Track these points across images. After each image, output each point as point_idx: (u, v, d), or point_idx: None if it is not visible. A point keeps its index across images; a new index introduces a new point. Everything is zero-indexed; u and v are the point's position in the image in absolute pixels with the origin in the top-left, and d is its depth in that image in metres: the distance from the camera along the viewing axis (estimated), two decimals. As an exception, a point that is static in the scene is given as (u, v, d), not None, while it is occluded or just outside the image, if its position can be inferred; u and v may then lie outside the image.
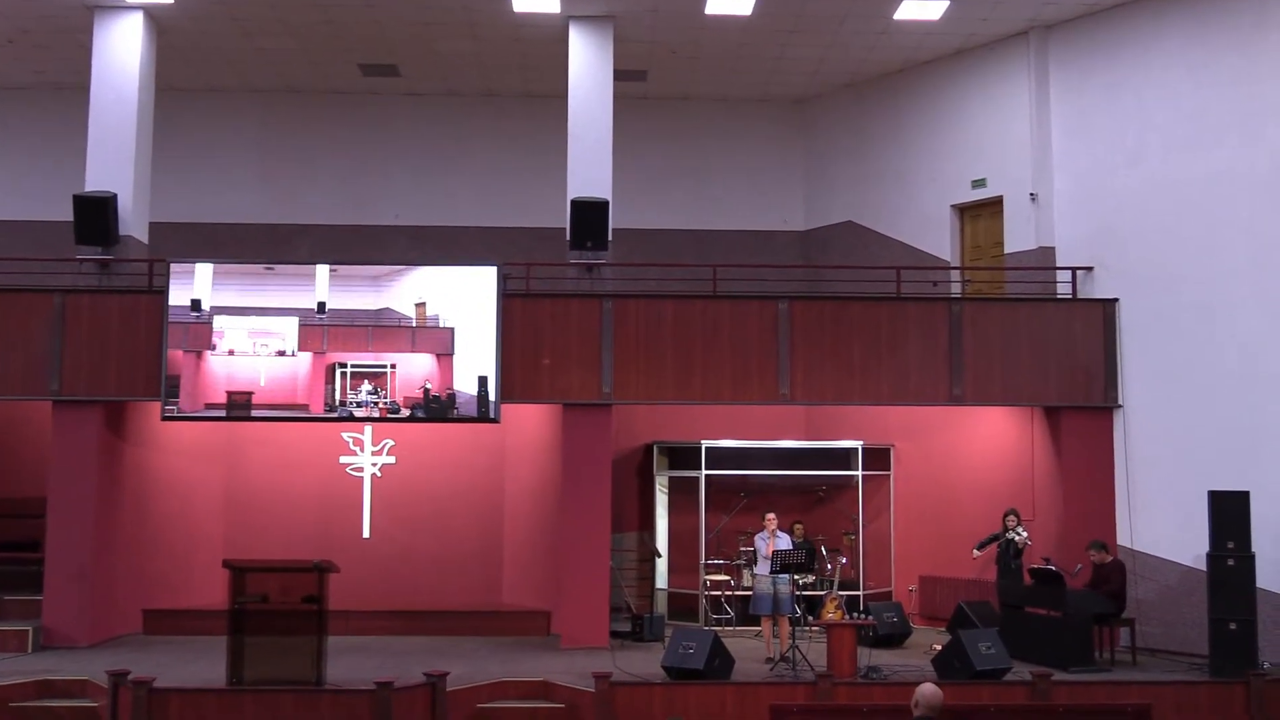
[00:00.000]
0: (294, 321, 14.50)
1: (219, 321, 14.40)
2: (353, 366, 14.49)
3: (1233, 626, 12.33)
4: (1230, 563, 12.45)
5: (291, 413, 14.45)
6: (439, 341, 14.55)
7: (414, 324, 14.58)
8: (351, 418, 14.54)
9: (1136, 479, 14.43)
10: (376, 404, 14.42)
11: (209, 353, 14.34)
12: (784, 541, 13.34)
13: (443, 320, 14.54)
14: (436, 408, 14.43)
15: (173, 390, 14.18)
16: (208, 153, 18.49)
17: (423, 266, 14.66)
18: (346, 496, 16.14)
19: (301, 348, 14.48)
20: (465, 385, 14.41)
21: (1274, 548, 12.90)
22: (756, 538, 13.63)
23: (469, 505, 16.41)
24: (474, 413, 14.38)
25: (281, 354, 14.40)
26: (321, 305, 14.52)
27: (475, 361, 14.43)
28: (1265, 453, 13.30)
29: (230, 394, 14.36)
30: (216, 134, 18.56)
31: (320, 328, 14.55)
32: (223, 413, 14.36)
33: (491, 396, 14.32)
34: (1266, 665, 12.54)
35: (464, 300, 14.55)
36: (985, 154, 16.36)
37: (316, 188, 18.59)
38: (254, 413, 14.42)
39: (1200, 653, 12.99)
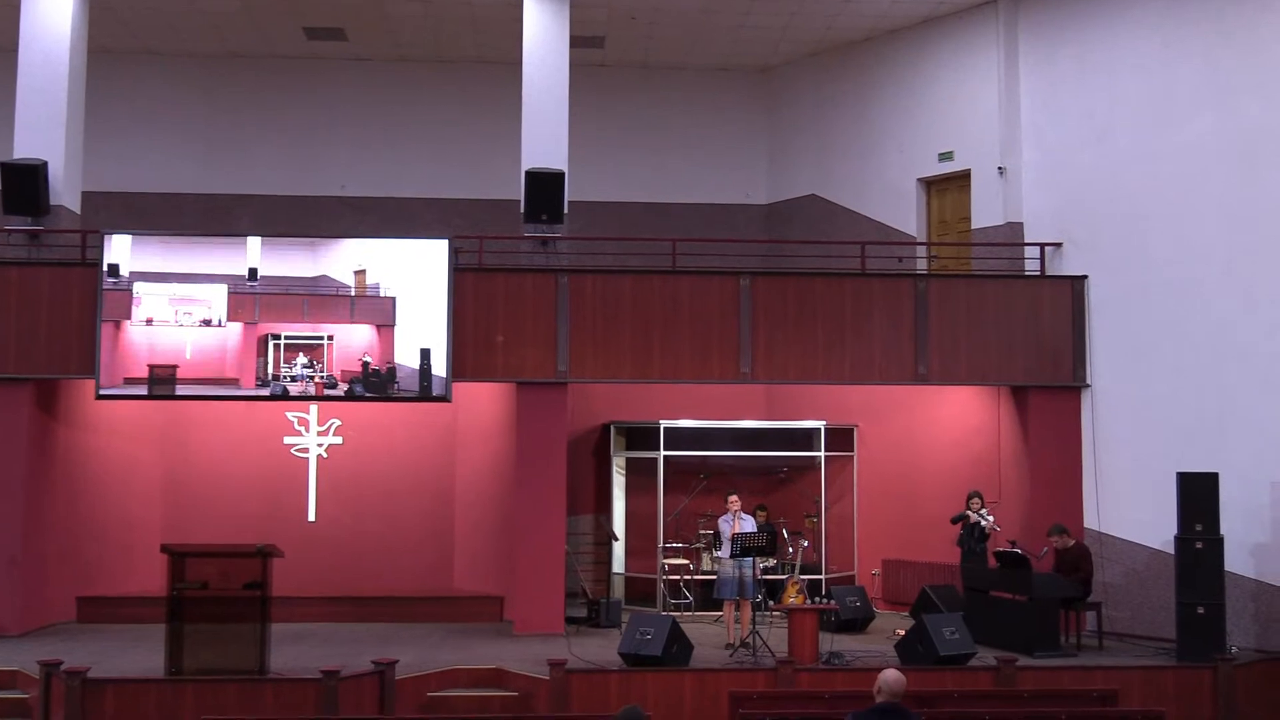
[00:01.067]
0: (223, 289, 14.12)
1: (137, 288, 13.93)
2: (287, 338, 14.15)
3: (1201, 610, 12.49)
4: (1199, 546, 12.61)
5: (221, 389, 14.04)
6: (380, 312, 14.27)
7: (353, 293, 14.28)
8: (286, 394, 14.21)
9: (1104, 460, 14.58)
10: (312, 378, 14.11)
11: (127, 323, 13.92)
12: (748, 524, 13.37)
13: (384, 289, 14.26)
14: (376, 382, 14.17)
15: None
16: (144, 119, 18.24)
17: (370, 239, 14.53)
18: (291, 478, 16.03)
19: (231, 318, 14.13)
20: (407, 358, 14.19)
21: (1243, 530, 13.08)
22: (720, 520, 13.66)
23: (419, 487, 16.35)
24: (416, 387, 14.14)
25: (207, 323, 14.01)
26: (253, 272, 14.16)
27: (418, 333, 14.18)
28: (1234, 434, 13.46)
29: (153, 368, 13.95)
30: (154, 100, 18.30)
31: (252, 296, 14.17)
32: (151, 389, 13.98)
33: (435, 370, 14.11)
34: (1234, 650, 12.72)
35: (407, 268, 14.27)
36: (953, 126, 16.41)
37: (258, 157, 18.40)
38: (180, 388, 14.00)
39: (1168, 637, 13.17)
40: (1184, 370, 13.97)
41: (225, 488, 16.03)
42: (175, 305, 13.98)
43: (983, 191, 15.92)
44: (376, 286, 14.29)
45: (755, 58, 18.67)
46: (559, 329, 14.42)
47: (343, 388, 14.26)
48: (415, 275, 14.31)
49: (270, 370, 14.14)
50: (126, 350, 13.93)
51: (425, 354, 14.12)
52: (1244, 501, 13.09)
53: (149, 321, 13.93)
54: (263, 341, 14.18)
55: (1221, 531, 12.62)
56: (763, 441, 16.63)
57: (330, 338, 14.23)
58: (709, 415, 16.38)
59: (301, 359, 14.14)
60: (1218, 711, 11.81)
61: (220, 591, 11.37)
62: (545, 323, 14.43)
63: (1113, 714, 9.63)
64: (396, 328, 14.25)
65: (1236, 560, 13.01)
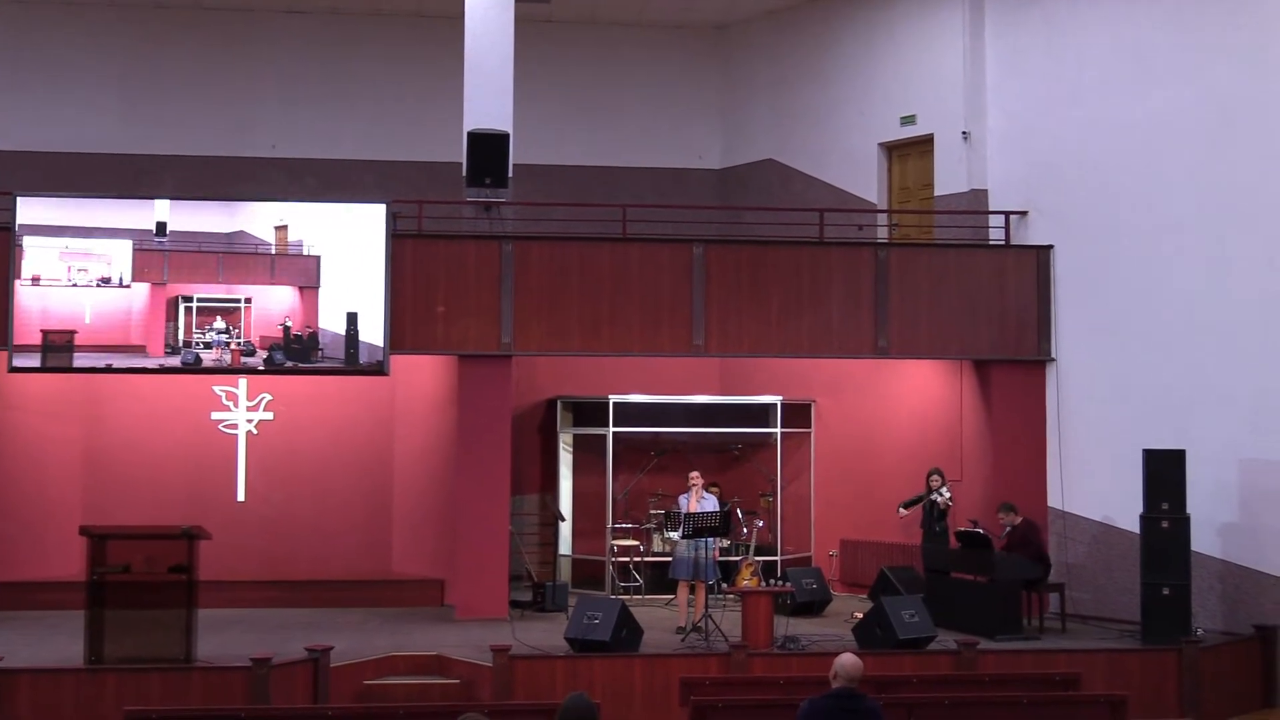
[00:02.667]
0: (127, 245, 13.53)
1: (24, 242, 13.20)
2: (200, 300, 13.61)
3: (1166, 591, 12.69)
4: (1164, 525, 12.79)
5: (126, 357, 13.41)
6: (302, 272, 13.78)
7: (273, 251, 13.77)
8: (199, 362, 13.70)
9: (1069, 437, 14.75)
10: (228, 345, 13.61)
11: (17, 282, 13.26)
12: (709, 503, 13.36)
13: (308, 247, 13.75)
14: (298, 349, 13.76)
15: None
16: (59, 73, 17.92)
17: (303, 204, 14.35)
18: (219, 456, 15.89)
19: (137, 278, 13.55)
20: (332, 323, 13.82)
21: (1210, 509, 13.28)
22: (679, 498, 13.68)
23: (355, 465, 16.26)
24: (341, 354, 13.79)
25: (106, 282, 13.34)
26: (161, 227, 13.53)
27: (345, 296, 13.77)
28: (1202, 410, 13.66)
29: (46, 333, 13.34)
30: (69, 52, 17.98)
31: (160, 253, 13.54)
32: (45, 358, 13.43)
33: (362, 336, 13.77)
34: (1200, 632, 12.94)
35: (333, 225, 13.96)
36: (916, 89, 16.47)
37: (183, 115, 18.15)
38: (78, 357, 13.44)
39: (1132, 619, 13.37)
40: (1151, 344, 14.14)
41: (149, 466, 15.86)
42: (68, 261, 13.26)
43: (946, 157, 16.00)
44: (299, 244, 13.77)
45: (710, 15, 18.63)
46: (503, 299, 14.37)
47: (261, 355, 13.88)
48: (342, 233, 13.94)
49: (181, 336, 13.62)
50: (16, 314, 13.28)
51: (352, 318, 13.74)
52: (1211, 479, 13.29)
53: (35, 280, 13.20)
54: (172, 304, 13.68)
55: (1188, 510, 12.82)
56: (716, 417, 16.67)
57: (248, 300, 13.76)
58: (660, 390, 16.40)
59: (216, 323, 13.63)
60: (1182, 695, 12.01)
61: (143, 576, 11.27)
62: (488, 292, 14.37)
63: (1075, 698, 9.77)
64: (321, 290, 13.79)
65: (1203, 540, 13.22)
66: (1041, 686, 10.21)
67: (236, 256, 13.70)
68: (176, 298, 13.72)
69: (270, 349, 13.82)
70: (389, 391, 16.10)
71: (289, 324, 13.78)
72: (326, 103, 18.45)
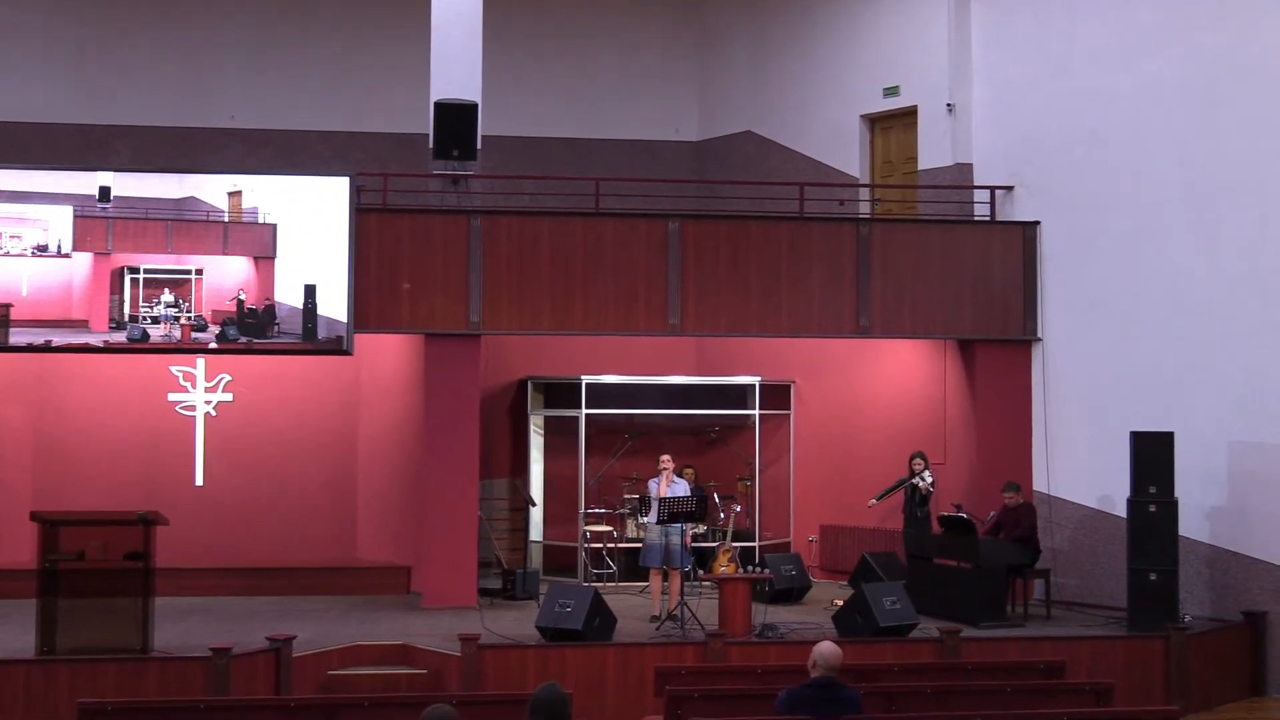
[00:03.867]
0: (67, 211, 13.16)
1: None
2: (147, 272, 13.28)
3: (1153, 577, 12.80)
4: (1152, 509, 12.89)
5: (68, 333, 13.04)
6: (258, 241, 13.51)
7: (226, 218, 13.48)
8: (146, 338, 13.40)
9: (1055, 419, 14.84)
10: (178, 319, 13.31)
11: None
12: (680, 487, 13.42)
13: (263, 215, 13.48)
14: (253, 324, 13.52)
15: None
16: (7, 40, 17.75)
17: (263, 176, 14.25)
18: (177, 439, 15.80)
19: (78, 247, 13.19)
20: (289, 296, 13.58)
21: (1199, 493, 13.39)
22: (650, 482, 13.71)
23: (318, 449, 16.22)
24: (299, 329, 13.55)
25: (43, 251, 12.96)
26: (105, 191, 13.21)
27: (302, 266, 13.51)
28: (1191, 391, 13.76)
29: None
30: (17, 17, 17.82)
31: (104, 221, 13.21)
32: (2, 335, 13.07)
33: (321, 310, 13.57)
34: (1188, 619, 13.06)
35: (291, 191, 13.78)
36: (899, 59, 16.48)
37: (138, 83, 18.05)
38: (14, 333, 13.08)
39: (1119, 605, 13.49)
40: (1140, 323, 14.23)
41: (103, 449, 15.78)
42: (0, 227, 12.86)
43: (930, 130, 16.03)
44: (254, 212, 13.49)
45: (686, -19, 18.60)
46: (471, 276, 14.34)
47: (214, 330, 13.64)
48: (301, 199, 13.76)
49: (127, 310, 13.31)
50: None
51: (310, 291, 13.48)
52: (1200, 463, 13.40)
53: None
54: (117, 275, 13.35)
55: (1176, 494, 12.92)
56: (693, 399, 16.71)
57: (199, 272, 13.47)
58: (635, 370, 16.41)
59: (164, 296, 13.31)
60: (1169, 683, 12.14)
61: (98, 563, 11.24)
62: (456, 269, 14.34)
63: (1060, 687, 9.84)
64: (277, 260, 13.52)
65: (1191, 524, 13.33)
66: (1026, 675, 10.27)
67: (186, 224, 13.39)
68: (121, 269, 13.41)
69: (223, 324, 13.56)
70: (353, 372, 16.06)
71: (243, 297, 13.50)
72: (287, 71, 18.34)
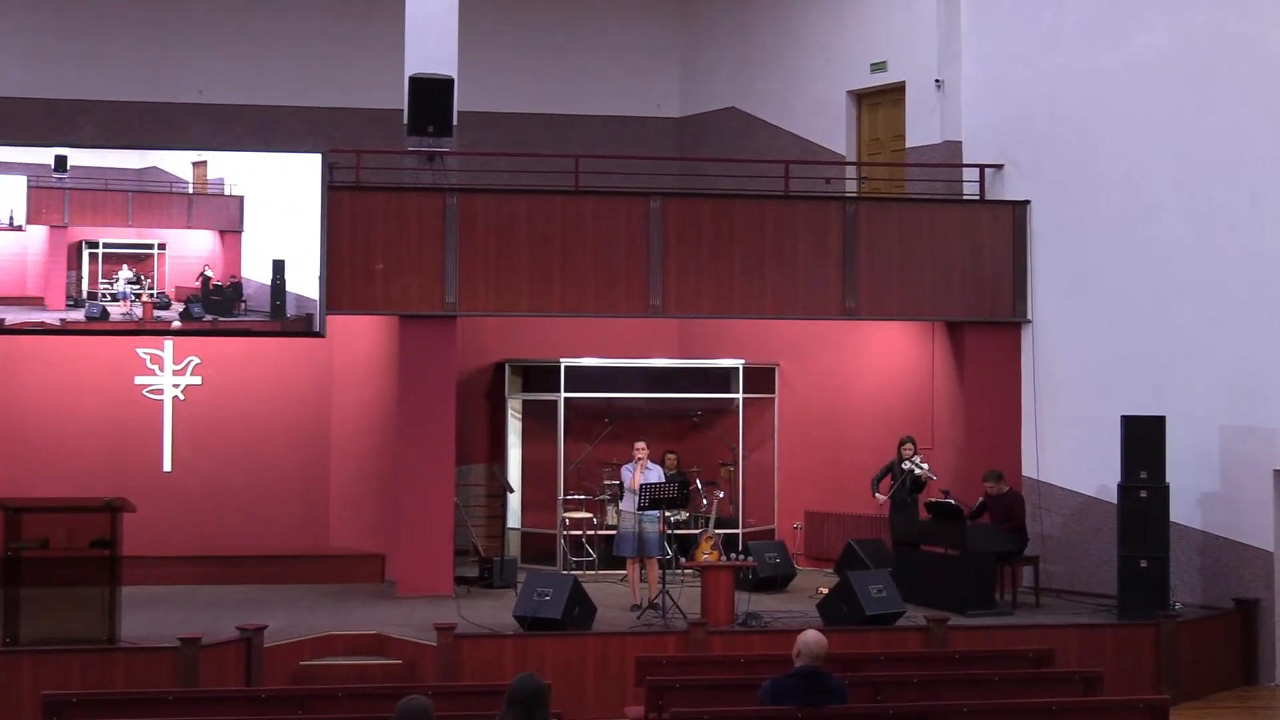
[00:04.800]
0: (20, 182, 12.88)
1: None
2: (106, 246, 13.02)
3: (1143, 564, 12.88)
4: (1143, 494, 12.97)
5: (22, 310, 12.76)
6: (224, 214, 13.28)
7: (191, 189, 13.25)
8: (105, 316, 13.18)
9: (1045, 402, 14.90)
10: (139, 297, 13.07)
11: None
12: (654, 474, 13.47)
13: (229, 186, 13.27)
14: (219, 301, 13.31)
15: None
16: (-34, 11, 17.66)
17: (232, 153, 14.17)
18: (144, 423, 15.78)
19: (33, 219, 12.93)
20: (257, 272, 13.41)
21: (1190, 478, 13.47)
22: (623, 469, 13.74)
23: (290, 433, 16.20)
24: (267, 306, 13.37)
25: None
26: (61, 161, 12.91)
27: (271, 241, 13.33)
28: (1183, 374, 13.82)
29: None
30: (-23, -12, 17.72)
31: (60, 192, 12.93)
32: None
33: (290, 286, 13.41)
34: (1178, 606, 13.15)
35: (259, 163, 13.64)
36: (886, 33, 16.48)
37: (103, 57, 17.95)
38: None
39: (1108, 593, 13.57)
40: (1131, 304, 14.28)
41: (68, 434, 15.73)
42: None
43: (918, 106, 16.04)
44: (220, 183, 13.28)
45: (668, -48, 18.56)
46: (446, 255, 14.31)
47: (177, 308, 13.44)
48: (269, 172, 13.62)
49: (85, 287, 13.07)
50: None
51: (279, 266, 13.28)
52: (1192, 447, 13.47)
53: None
54: (75, 250, 13.11)
55: (1168, 480, 12.99)
56: (674, 382, 16.73)
57: (161, 246, 13.25)
58: (615, 353, 16.42)
59: (125, 273, 13.07)
60: (1159, 671, 12.23)
61: (62, 551, 11.22)
62: (431, 249, 14.31)
63: (1048, 675, 9.91)
64: (244, 234, 13.32)
65: (1182, 510, 13.41)
66: (1014, 663, 10.34)
67: (148, 196, 13.15)
68: (79, 243, 13.18)
69: (187, 301, 13.37)
70: (326, 355, 16.03)
71: (209, 273, 13.32)
72: (258, 44, 18.25)
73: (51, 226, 13.17)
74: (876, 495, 14.75)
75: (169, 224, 13.35)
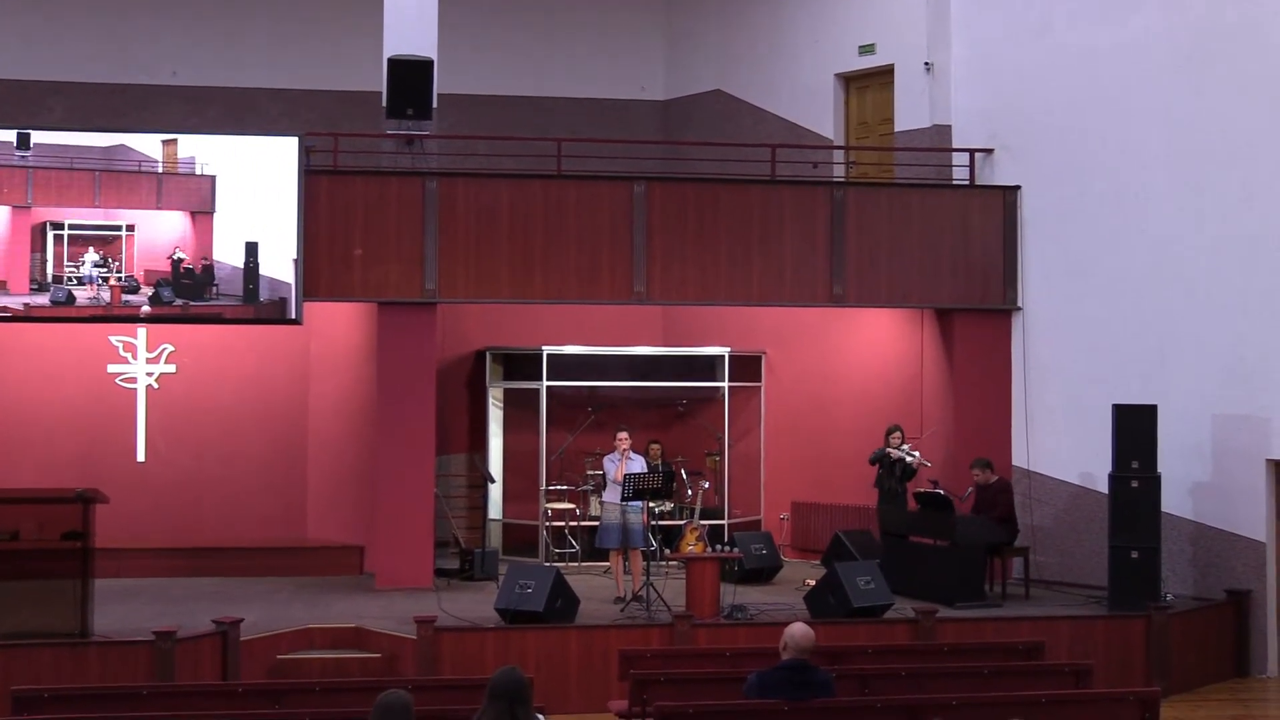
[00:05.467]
0: None
1: None
2: (72, 228, 12.85)
3: (1135, 555, 12.93)
4: (1134, 484, 13.01)
5: None
6: (195, 194, 13.13)
7: (160, 168, 13.11)
8: (71, 300, 12.98)
9: (1035, 391, 14.94)
10: (106, 280, 12.88)
11: None
12: (637, 464, 13.49)
13: (201, 166, 13.10)
14: (190, 285, 13.15)
15: None
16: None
17: (206, 135, 14.12)
18: (116, 412, 15.75)
19: None
20: (229, 255, 13.27)
21: (1182, 468, 13.52)
22: (606, 460, 13.75)
23: (266, 423, 16.17)
24: (240, 290, 13.26)
25: None
26: (24, 139, 12.76)
27: (243, 223, 13.19)
28: (1175, 362, 13.87)
29: None
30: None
31: (23, 170, 12.77)
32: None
33: (263, 270, 13.30)
34: (1170, 597, 13.21)
35: (233, 144, 13.55)
36: (875, 15, 16.49)
37: (73, 36, 17.87)
38: None
39: (1099, 584, 13.62)
40: (1123, 292, 14.32)
41: (38, 423, 15.67)
42: None
43: (907, 90, 16.05)
44: (191, 161, 13.13)
45: (653, -68, 18.53)
46: (426, 241, 14.29)
47: (146, 292, 13.29)
48: (243, 151, 13.51)
49: (50, 270, 12.88)
50: None
51: (252, 249, 13.16)
52: (1183, 437, 13.52)
53: None
54: (39, 232, 12.92)
55: (1159, 469, 13.04)
56: (659, 370, 16.73)
57: (130, 228, 13.09)
58: (598, 341, 16.42)
59: (92, 255, 12.88)
60: (1150, 664, 12.29)
61: (33, 543, 11.19)
62: (410, 234, 14.28)
63: (1038, 668, 9.95)
64: (216, 215, 13.18)
65: (1174, 500, 13.47)
66: (1003, 656, 10.39)
67: (116, 175, 12.98)
68: (44, 224, 13.02)
69: (157, 285, 13.21)
70: (303, 343, 15.99)
71: (180, 256, 13.17)
72: (232, 24, 18.18)
73: (14, 207, 13.02)
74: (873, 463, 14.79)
75: (137, 204, 13.20)
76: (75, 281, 13.00)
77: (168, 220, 13.25)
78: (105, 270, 13.05)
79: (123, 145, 13.16)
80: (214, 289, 13.41)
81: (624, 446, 13.50)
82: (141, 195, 13.12)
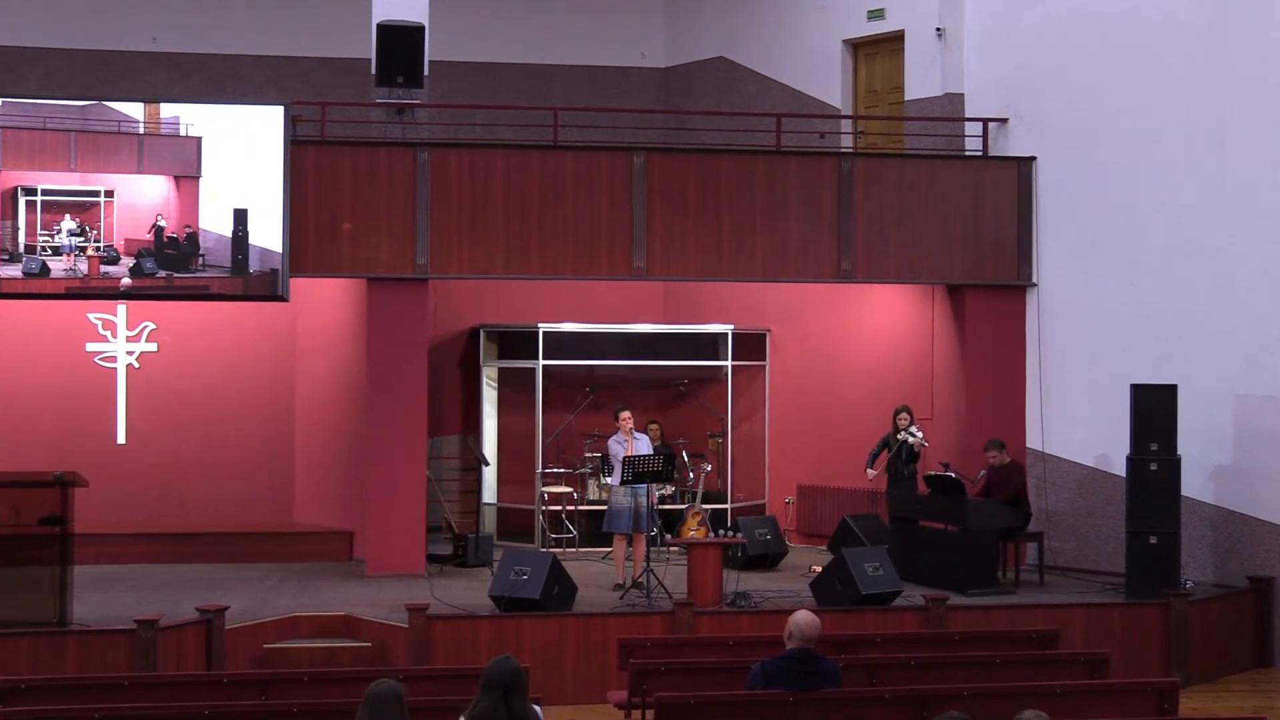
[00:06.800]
0: None
1: None
2: (46, 193, 12.57)
3: (1153, 540, 12.93)
4: (1153, 467, 13.01)
5: None
6: (179, 157, 12.89)
7: (142, 129, 12.86)
8: (46, 271, 12.72)
9: (1050, 371, 14.93)
10: (84, 250, 12.63)
11: None
12: (644, 444, 13.47)
13: (185, 126, 12.92)
14: (174, 255, 12.94)
15: None
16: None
17: (189, 105, 14.07)
18: (96, 393, 15.75)
19: None
20: (215, 223, 13.04)
21: (1202, 450, 13.52)
22: (611, 441, 13.73)
23: (252, 403, 16.19)
24: (228, 261, 13.06)
25: None
26: None
27: (231, 188, 12.96)
28: (1195, 340, 13.86)
29: None
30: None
31: None
32: None
33: (253, 239, 13.15)
34: (1190, 584, 13.21)
35: (218, 111, 13.46)
36: (884, -22, 16.46)
37: (49, 1, 17.74)
38: None
39: (1116, 570, 13.63)
40: (1141, 267, 14.30)
41: (14, 404, 15.67)
42: None
43: (918, 57, 16.00)
44: (175, 122, 12.93)
45: (653, -109, 18.48)
46: (418, 214, 14.27)
47: (127, 263, 13.12)
48: (228, 119, 13.38)
49: (22, 239, 12.65)
50: None
51: (241, 216, 12.94)
52: (1204, 417, 13.52)
53: None
54: (10, 197, 12.72)
55: (1179, 452, 13.03)
56: (659, 349, 16.73)
57: (109, 193, 12.86)
58: (596, 318, 16.42)
59: (68, 223, 12.65)
60: (1169, 653, 12.31)
61: (10, 528, 11.22)
62: (401, 207, 14.26)
63: (1052, 657, 9.97)
64: (202, 180, 12.97)
65: (1194, 484, 13.46)
66: (1016, 645, 10.41)
67: (94, 137, 12.72)
68: (15, 189, 12.80)
69: (138, 255, 13.01)
70: (290, 320, 15.99)
71: (162, 223, 12.95)
72: (214, -12, 18.17)
73: (-16, 171, 12.80)
74: (869, 471, 14.74)
75: (117, 168, 12.99)
76: (50, 252, 12.76)
77: (150, 185, 13.02)
78: (82, 239, 12.81)
79: (100, 104, 12.97)
80: (200, 259, 13.22)
81: (628, 426, 13.48)
82: (121, 159, 12.87)
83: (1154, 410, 13.01)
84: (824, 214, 14.88)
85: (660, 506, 14.98)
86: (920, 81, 15.98)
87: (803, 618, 7.99)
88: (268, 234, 13.50)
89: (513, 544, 15.46)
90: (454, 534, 15.23)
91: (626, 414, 13.60)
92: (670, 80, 19.23)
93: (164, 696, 8.94)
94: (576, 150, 14.81)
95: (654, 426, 15.49)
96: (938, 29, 15.78)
